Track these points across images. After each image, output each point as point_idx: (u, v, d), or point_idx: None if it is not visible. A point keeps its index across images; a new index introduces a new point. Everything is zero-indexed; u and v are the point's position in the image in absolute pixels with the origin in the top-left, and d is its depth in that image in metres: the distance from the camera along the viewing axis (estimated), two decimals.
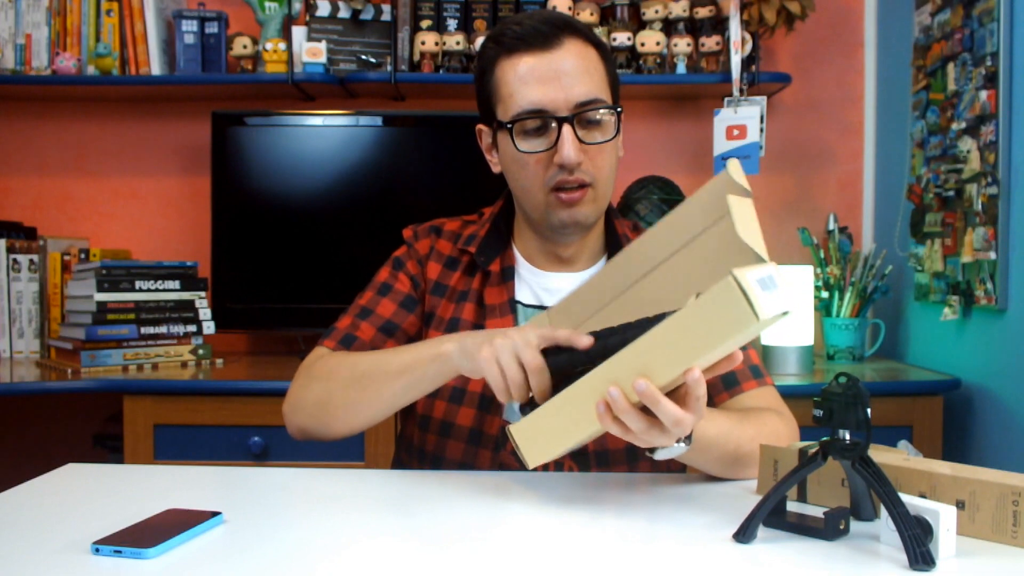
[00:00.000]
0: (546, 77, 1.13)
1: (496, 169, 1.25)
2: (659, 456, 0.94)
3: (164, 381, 1.94)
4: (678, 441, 0.92)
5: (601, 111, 1.15)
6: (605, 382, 0.88)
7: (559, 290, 1.22)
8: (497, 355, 0.95)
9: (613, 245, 1.27)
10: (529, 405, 0.95)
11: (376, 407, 1.12)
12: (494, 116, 1.20)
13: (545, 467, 1.19)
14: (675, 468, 1.23)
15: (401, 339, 1.24)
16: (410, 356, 1.09)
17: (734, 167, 0.89)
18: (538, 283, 1.25)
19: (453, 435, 1.20)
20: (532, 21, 1.15)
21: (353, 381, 1.12)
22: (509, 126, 1.15)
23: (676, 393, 0.88)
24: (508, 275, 1.25)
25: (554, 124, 1.13)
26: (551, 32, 1.14)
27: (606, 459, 1.18)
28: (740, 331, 0.80)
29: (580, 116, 1.14)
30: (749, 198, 0.89)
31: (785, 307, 0.80)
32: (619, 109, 1.18)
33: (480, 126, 1.25)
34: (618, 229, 1.29)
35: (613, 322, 0.97)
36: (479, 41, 2.29)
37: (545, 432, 0.94)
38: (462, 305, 1.24)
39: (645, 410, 0.87)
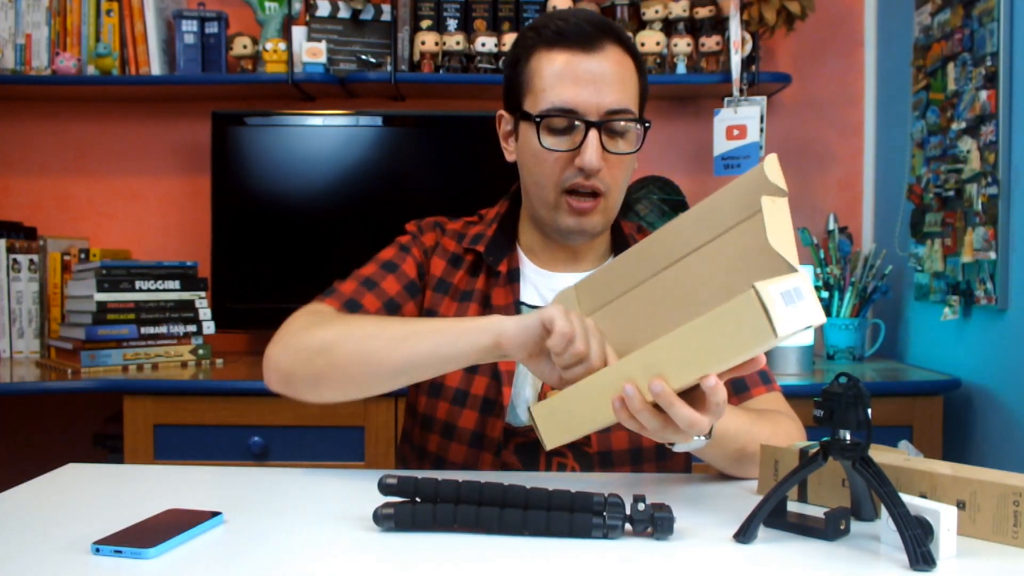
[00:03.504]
0: (582, 79, 1.12)
1: (511, 158, 1.24)
2: (679, 448, 0.95)
3: (164, 381, 1.94)
4: (698, 435, 0.92)
5: (629, 123, 1.15)
6: (622, 378, 0.88)
7: None
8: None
9: (619, 245, 1.27)
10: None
11: (382, 377, 1.04)
12: (520, 105, 1.19)
13: (548, 467, 1.19)
14: (678, 469, 1.23)
15: None
16: (447, 323, 1.05)
17: (771, 163, 0.88)
18: (544, 284, 1.25)
19: (455, 437, 1.19)
20: (576, 19, 1.15)
21: (366, 344, 1.04)
22: (538, 120, 1.14)
23: (694, 394, 0.88)
24: (514, 276, 1.24)
25: (582, 126, 1.13)
26: (595, 34, 1.13)
27: (610, 460, 1.18)
28: (757, 346, 0.80)
29: (608, 124, 1.13)
30: (784, 197, 0.88)
31: (810, 321, 0.79)
32: (648, 124, 1.17)
33: (501, 112, 1.24)
34: (624, 230, 1.29)
35: (634, 309, 0.97)
36: (479, 41, 2.29)
37: (564, 417, 0.96)
38: (466, 305, 1.23)
39: (661, 408, 0.88)
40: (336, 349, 1.06)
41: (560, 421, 0.96)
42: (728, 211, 0.90)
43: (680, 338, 0.84)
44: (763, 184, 0.87)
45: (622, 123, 1.14)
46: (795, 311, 0.79)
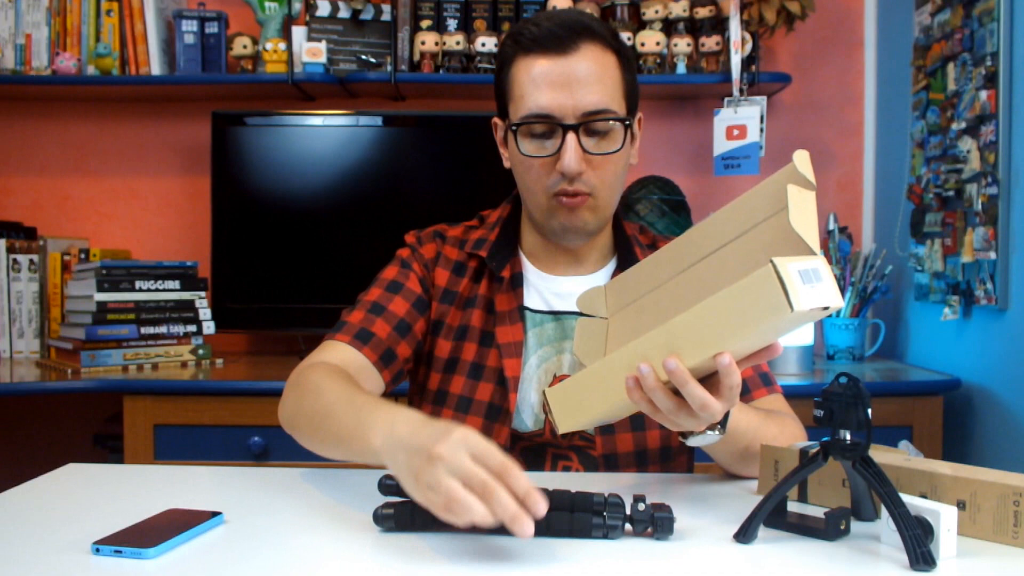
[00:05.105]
0: (557, 83, 1.12)
1: (507, 164, 1.24)
2: (692, 442, 0.95)
3: (164, 381, 1.94)
4: (712, 429, 0.92)
5: (609, 122, 1.14)
6: (637, 357, 0.87)
7: (569, 294, 1.21)
8: (436, 481, 0.78)
9: (622, 247, 1.26)
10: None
11: (323, 451, 1.04)
12: (507, 113, 1.19)
13: (553, 468, 1.19)
14: (681, 470, 1.23)
15: (412, 343, 1.21)
16: (352, 424, 0.96)
17: (801, 158, 0.88)
18: (547, 287, 1.24)
19: None
20: (551, 23, 1.14)
21: (313, 415, 1.04)
22: (514, 128, 1.15)
23: (710, 380, 0.87)
24: (517, 281, 1.24)
25: (560, 130, 1.12)
26: (568, 36, 1.13)
27: (615, 463, 1.18)
28: (773, 319, 0.80)
29: (587, 125, 1.13)
30: (812, 191, 0.88)
31: (827, 302, 0.79)
32: (628, 122, 1.16)
33: (496, 119, 1.25)
34: (627, 230, 1.28)
35: (660, 305, 0.97)
36: (479, 41, 2.29)
37: (578, 399, 0.95)
38: (470, 312, 1.23)
39: (676, 391, 0.87)
40: (297, 416, 1.08)
41: (574, 403, 0.96)
42: (757, 207, 0.90)
43: (696, 315, 0.84)
44: (793, 178, 0.88)
45: (601, 123, 1.13)
46: (812, 289, 0.79)
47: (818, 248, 0.84)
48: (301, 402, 1.08)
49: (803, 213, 0.85)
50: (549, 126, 1.13)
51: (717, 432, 0.93)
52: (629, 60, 1.19)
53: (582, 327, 1.06)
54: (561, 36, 1.13)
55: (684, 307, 0.86)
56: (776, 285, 0.78)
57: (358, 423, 0.94)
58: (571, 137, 1.12)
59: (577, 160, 1.12)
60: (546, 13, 1.19)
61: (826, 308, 0.80)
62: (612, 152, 1.15)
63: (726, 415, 0.93)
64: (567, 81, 1.12)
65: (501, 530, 0.86)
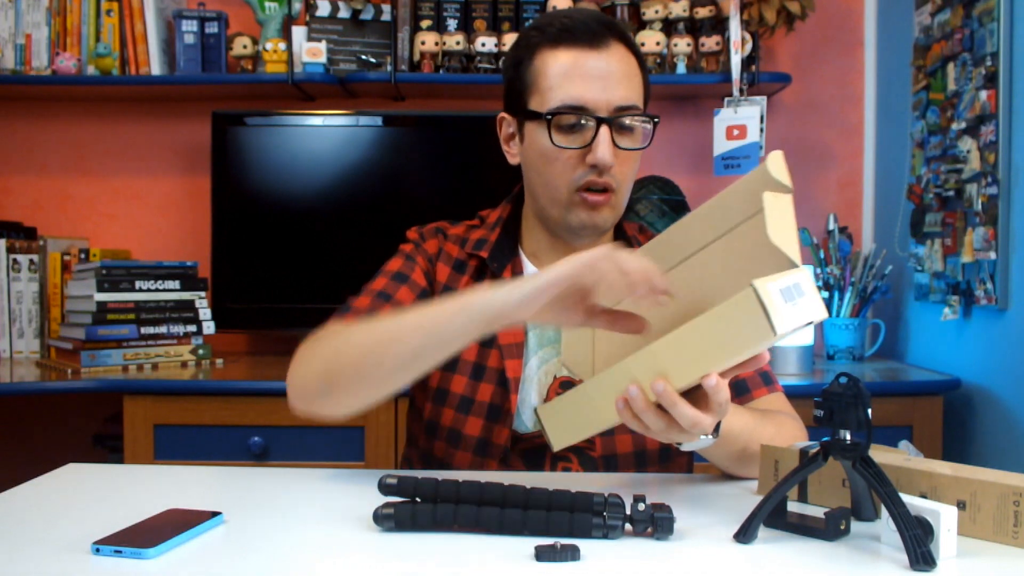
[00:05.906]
0: (590, 75, 1.12)
1: (514, 160, 1.23)
2: (686, 447, 0.95)
3: (164, 381, 1.94)
4: (704, 434, 0.92)
5: (638, 118, 1.15)
6: (626, 379, 0.88)
7: None
8: (624, 260, 0.86)
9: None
10: None
11: (387, 370, 0.97)
12: (523, 106, 1.18)
13: (553, 469, 1.19)
14: (681, 471, 1.23)
15: None
16: (445, 312, 0.94)
17: (774, 160, 0.88)
18: None
19: (461, 445, 1.19)
20: (582, 16, 1.15)
21: (366, 340, 0.99)
22: (549, 118, 1.13)
23: (697, 393, 0.88)
24: None
25: (592, 123, 1.12)
26: (600, 31, 1.13)
27: (614, 464, 1.18)
28: (757, 344, 0.80)
29: (618, 120, 1.13)
30: (788, 194, 0.87)
31: (810, 317, 0.79)
32: (656, 119, 1.17)
33: (503, 114, 1.23)
34: (627, 231, 1.28)
35: (642, 309, 0.96)
36: (479, 41, 2.29)
37: (571, 418, 0.96)
38: None
39: (665, 409, 0.87)
40: (341, 353, 1.02)
41: (566, 422, 0.97)
42: (733, 209, 0.90)
43: (681, 338, 0.84)
44: (768, 181, 0.87)
45: (631, 119, 1.14)
46: (795, 308, 0.79)
47: (799, 258, 0.84)
48: (344, 345, 1.01)
49: (780, 221, 0.85)
50: (579, 118, 1.13)
51: (710, 437, 0.93)
52: (646, 65, 1.20)
53: (568, 334, 1.06)
54: (594, 30, 1.13)
55: (666, 317, 0.86)
56: (758, 310, 0.77)
57: (455, 307, 0.93)
58: (604, 130, 1.12)
59: (611, 153, 1.12)
60: (572, 9, 1.20)
61: (810, 323, 0.80)
62: (639, 148, 1.16)
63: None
64: (601, 75, 1.12)
65: (501, 530, 0.86)
